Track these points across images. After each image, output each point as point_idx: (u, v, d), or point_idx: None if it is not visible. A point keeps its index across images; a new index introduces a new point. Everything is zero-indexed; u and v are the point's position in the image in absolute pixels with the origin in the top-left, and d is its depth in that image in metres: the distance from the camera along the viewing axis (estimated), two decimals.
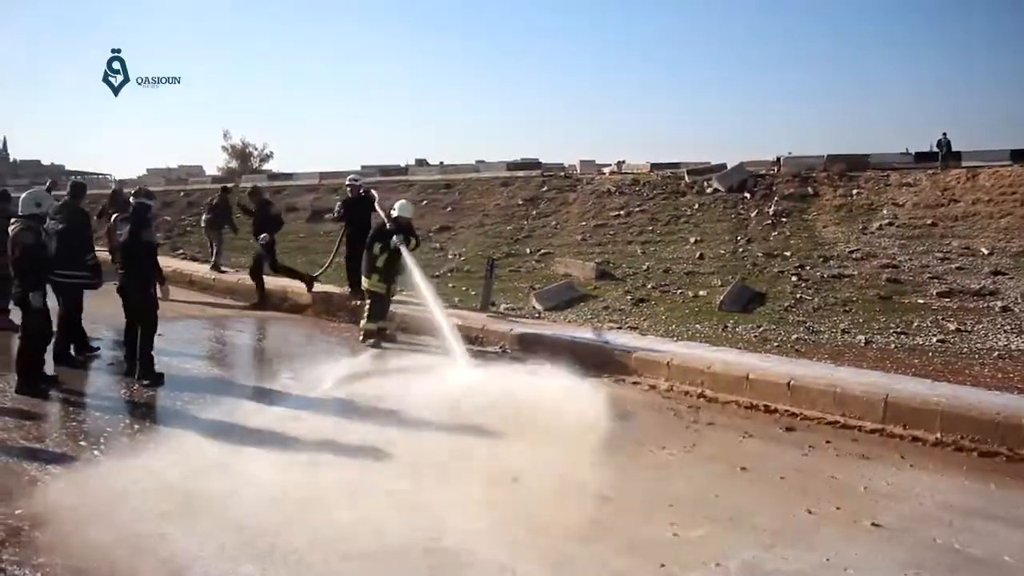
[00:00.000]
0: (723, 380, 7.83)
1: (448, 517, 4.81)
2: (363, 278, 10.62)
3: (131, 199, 8.85)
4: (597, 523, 4.88)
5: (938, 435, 6.38)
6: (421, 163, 40.44)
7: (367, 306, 10.40)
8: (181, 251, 21.51)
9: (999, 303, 13.72)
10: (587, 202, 23.47)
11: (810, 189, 22.40)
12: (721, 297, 13.97)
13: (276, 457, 5.92)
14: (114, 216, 9.69)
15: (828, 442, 6.55)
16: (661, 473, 5.79)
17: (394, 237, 10.18)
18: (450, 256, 19.86)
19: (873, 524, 4.83)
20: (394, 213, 10.53)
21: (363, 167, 35.73)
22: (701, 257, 17.61)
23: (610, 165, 30.40)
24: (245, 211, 14.31)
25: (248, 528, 4.66)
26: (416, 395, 7.71)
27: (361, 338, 10.32)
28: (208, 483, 5.36)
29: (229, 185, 17.09)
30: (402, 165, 38.10)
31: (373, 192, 12.88)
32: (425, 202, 26.12)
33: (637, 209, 22.14)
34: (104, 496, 5.15)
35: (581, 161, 32.25)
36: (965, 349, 11.18)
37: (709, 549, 4.50)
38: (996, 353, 10.86)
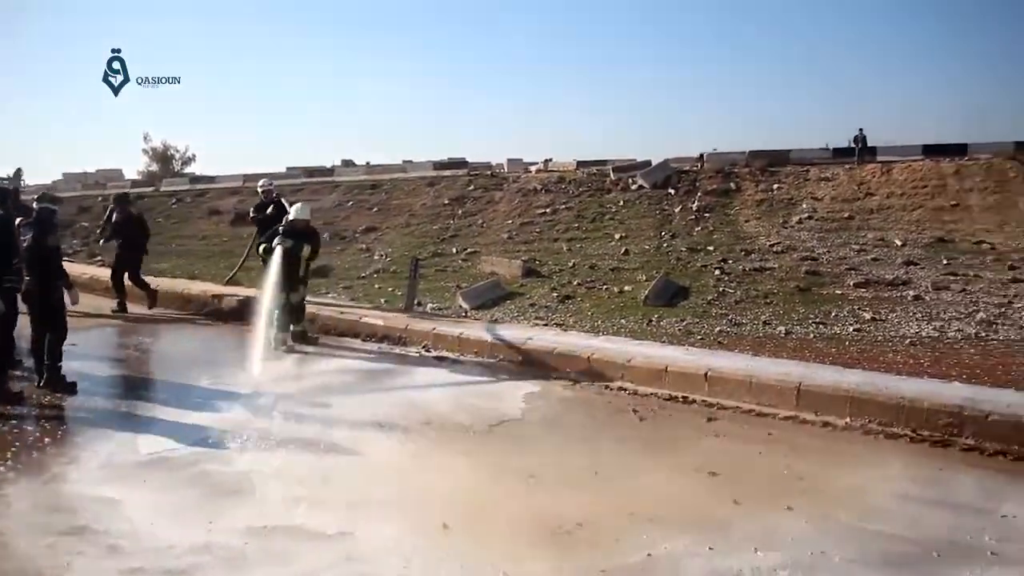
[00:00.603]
0: (642, 373, 7.91)
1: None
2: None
3: (35, 204, 8.54)
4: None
5: (847, 420, 6.55)
6: (347, 164, 39.92)
7: (275, 315, 10.19)
8: (99, 258, 20.89)
9: (911, 292, 14.15)
10: (513, 200, 23.52)
11: (732, 185, 22.82)
12: (646, 292, 14.11)
13: (186, 483, 5.59)
14: (17, 221, 9.35)
15: (745, 428, 6.66)
16: (607, 474, 5.76)
17: (276, 239, 9.98)
18: (376, 257, 19.70)
19: (788, 508, 4.91)
20: (290, 216, 10.35)
21: (288, 168, 35.23)
22: (626, 253, 17.79)
23: (537, 164, 30.48)
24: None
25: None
26: (341, 404, 7.58)
27: (274, 346, 10.12)
28: (113, 513, 5.05)
29: (124, 192, 16.54)
30: (328, 166, 37.63)
31: (277, 196, 12.75)
32: (351, 203, 25.93)
33: (563, 207, 22.27)
34: (6, 521, 4.93)
35: (508, 160, 32.26)
36: (880, 337, 11.49)
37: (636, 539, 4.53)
38: (908, 340, 11.19)
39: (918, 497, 5.14)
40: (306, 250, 10.23)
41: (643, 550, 4.38)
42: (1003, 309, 12.97)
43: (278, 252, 9.88)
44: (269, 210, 12.18)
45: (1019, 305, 13.23)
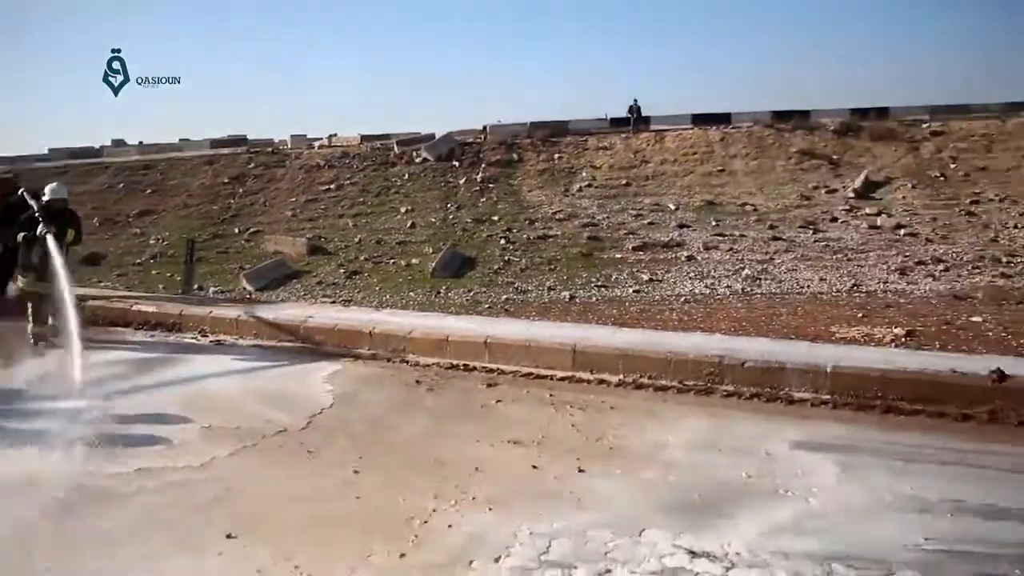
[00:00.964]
0: (424, 344, 7.85)
1: None
2: (20, 278, 9.47)
3: None
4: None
5: (621, 376, 6.78)
6: (118, 143, 37.40)
7: (29, 308, 9.30)
8: None
9: (685, 253, 14.94)
10: (296, 177, 22.92)
11: (515, 156, 23.22)
12: (433, 264, 14.13)
13: None
14: None
15: (528, 392, 6.73)
16: (421, 455, 5.55)
17: (40, 226, 9.10)
18: (152, 241, 18.64)
19: (579, 471, 4.97)
20: (46, 196, 9.47)
21: (50, 150, 32.73)
22: (413, 226, 17.72)
23: (321, 139, 29.84)
24: None
25: None
26: (115, 400, 6.93)
27: (32, 341, 9.23)
28: None
29: None
30: (96, 147, 35.20)
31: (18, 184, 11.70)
32: (123, 185, 24.36)
33: (348, 182, 21.91)
34: None
35: (292, 136, 31.46)
36: (657, 297, 12.05)
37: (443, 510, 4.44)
38: (683, 298, 11.80)
39: (691, 443, 5.39)
40: (69, 234, 9.37)
41: (451, 527, 4.25)
42: (765, 265, 13.95)
43: (51, 239, 8.94)
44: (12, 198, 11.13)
45: (779, 261, 14.26)
